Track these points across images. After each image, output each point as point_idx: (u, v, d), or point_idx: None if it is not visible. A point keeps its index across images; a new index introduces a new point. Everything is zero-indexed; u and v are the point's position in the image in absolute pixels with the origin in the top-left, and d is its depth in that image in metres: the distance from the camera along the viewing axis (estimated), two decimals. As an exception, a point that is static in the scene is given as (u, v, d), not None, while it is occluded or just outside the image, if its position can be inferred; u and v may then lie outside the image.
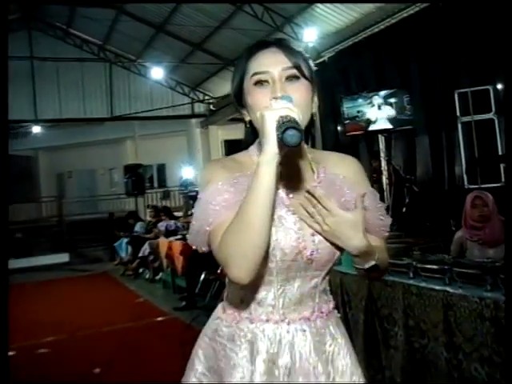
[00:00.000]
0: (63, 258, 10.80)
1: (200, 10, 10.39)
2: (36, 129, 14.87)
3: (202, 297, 5.93)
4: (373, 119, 7.14)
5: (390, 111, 7.04)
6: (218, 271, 5.04)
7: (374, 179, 7.69)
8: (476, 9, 6.34)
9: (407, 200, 6.96)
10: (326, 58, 9.62)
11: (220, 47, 11.65)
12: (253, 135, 1.21)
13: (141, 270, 9.09)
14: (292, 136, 0.97)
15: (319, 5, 9.01)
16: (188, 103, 14.71)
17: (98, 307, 6.70)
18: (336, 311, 1.27)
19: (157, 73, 13.12)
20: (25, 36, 13.00)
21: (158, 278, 8.32)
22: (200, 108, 14.94)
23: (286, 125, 0.98)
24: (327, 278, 1.23)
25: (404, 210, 6.90)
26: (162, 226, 8.92)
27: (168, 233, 8.43)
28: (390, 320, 2.87)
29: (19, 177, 16.19)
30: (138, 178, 12.58)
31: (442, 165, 7.48)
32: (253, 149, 1.22)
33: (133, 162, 13.95)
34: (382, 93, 7.13)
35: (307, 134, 1.16)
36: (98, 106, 14.09)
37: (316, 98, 1.20)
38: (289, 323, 1.16)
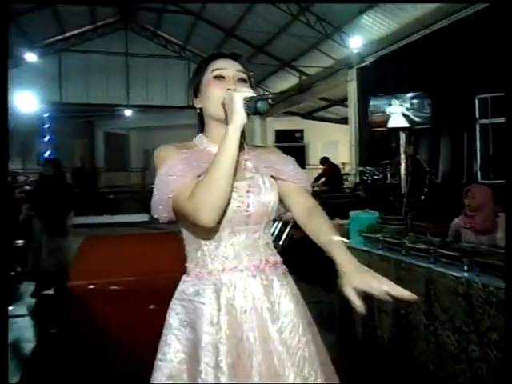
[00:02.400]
0: (144, 217, 11.23)
1: (262, 18, 10.32)
2: (128, 112, 15.33)
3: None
4: (394, 113, 7.02)
5: (411, 112, 6.86)
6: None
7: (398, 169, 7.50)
8: (497, 22, 5.94)
9: (426, 189, 6.74)
10: (367, 63, 9.35)
11: (278, 50, 11.55)
12: (201, 121, 1.28)
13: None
14: (263, 104, 1.06)
15: (365, 16, 8.72)
16: (251, 97, 14.75)
17: (164, 258, 6.96)
18: (284, 266, 1.26)
19: (226, 70, 13.20)
20: (122, 36, 13.41)
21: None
22: (260, 102, 14.92)
23: (256, 97, 1.07)
24: (268, 233, 1.24)
25: (423, 197, 6.69)
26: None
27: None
28: (383, 289, 2.86)
29: (115, 150, 16.97)
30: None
31: (461, 161, 7.14)
32: (196, 139, 1.28)
33: (206, 144, 14.15)
34: (408, 95, 6.91)
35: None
36: (179, 96, 14.38)
37: None
38: (242, 270, 1.17)
